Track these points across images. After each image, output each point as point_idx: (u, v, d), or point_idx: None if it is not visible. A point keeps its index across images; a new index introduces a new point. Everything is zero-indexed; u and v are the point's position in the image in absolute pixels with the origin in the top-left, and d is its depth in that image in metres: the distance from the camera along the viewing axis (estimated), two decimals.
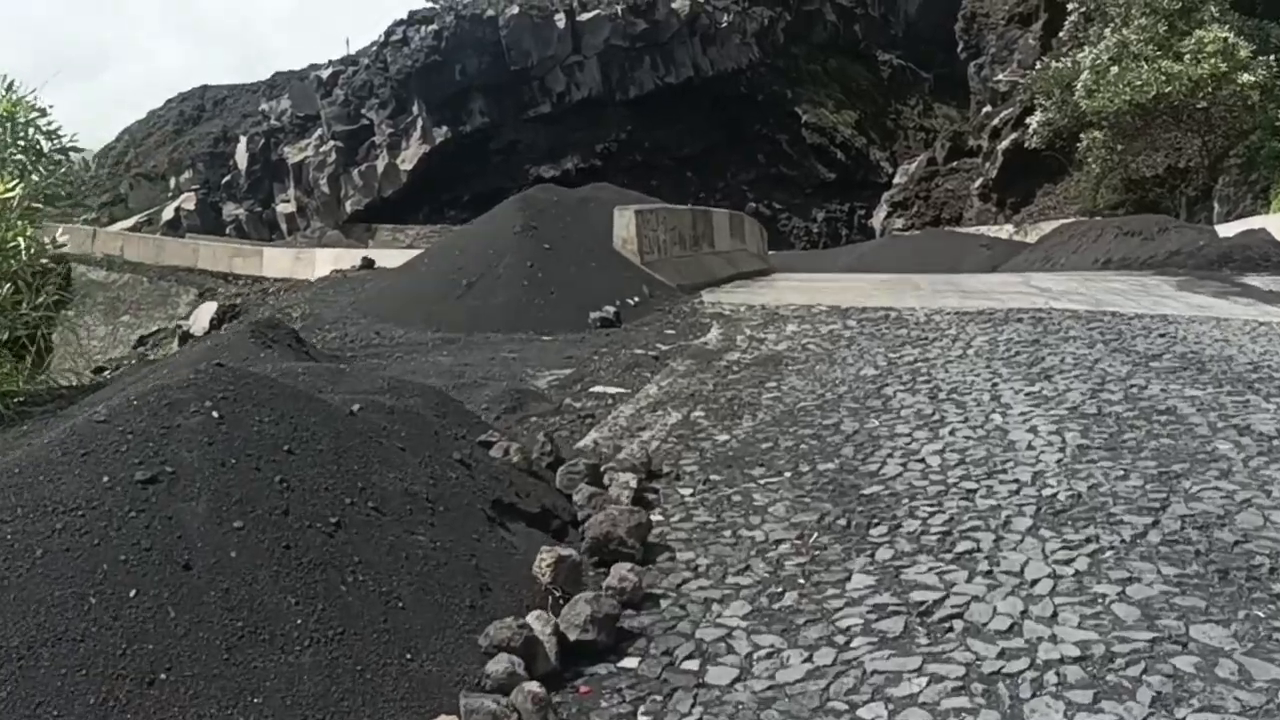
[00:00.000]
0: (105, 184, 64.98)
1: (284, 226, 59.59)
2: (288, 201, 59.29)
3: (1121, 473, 5.92)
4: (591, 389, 9.17)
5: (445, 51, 56.50)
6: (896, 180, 49.71)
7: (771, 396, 8.60)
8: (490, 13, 57.18)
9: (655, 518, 5.64)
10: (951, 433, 7.14)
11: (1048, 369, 9.13)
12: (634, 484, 5.81)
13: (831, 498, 5.89)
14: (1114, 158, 32.48)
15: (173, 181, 61.82)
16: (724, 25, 62.88)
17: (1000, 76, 44.65)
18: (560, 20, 57.67)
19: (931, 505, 5.62)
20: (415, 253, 19.55)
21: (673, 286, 14.75)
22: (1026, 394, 8.25)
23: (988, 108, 45.19)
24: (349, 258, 35.73)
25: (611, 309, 12.26)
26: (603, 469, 6.01)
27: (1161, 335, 10.70)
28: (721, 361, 10.14)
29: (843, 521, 5.49)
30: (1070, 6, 35.86)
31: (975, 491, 5.79)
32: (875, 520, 5.45)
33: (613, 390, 9.12)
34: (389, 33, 58.04)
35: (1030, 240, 36.37)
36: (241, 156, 60.17)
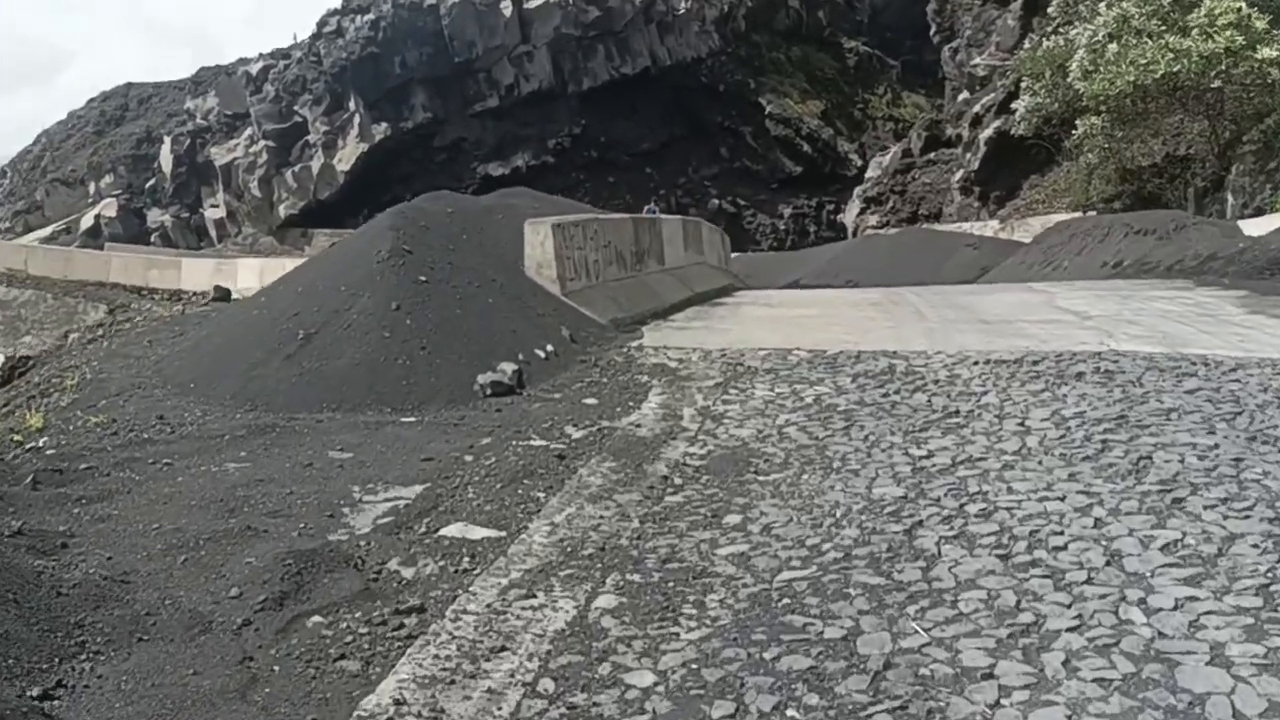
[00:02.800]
0: (20, 191, 60.67)
1: (213, 233, 55.64)
2: (217, 206, 55.30)
3: None
4: (443, 531, 5.66)
5: (383, 43, 52.70)
6: (869, 174, 46.43)
7: (733, 553, 5.13)
8: (431, 1, 53.40)
9: None
10: (1071, 669, 3.73)
11: (1168, 482, 5.73)
12: None
13: None
14: (1113, 146, 29.25)
15: (92, 187, 57.63)
16: (682, 12, 59.46)
17: (978, 60, 41.44)
18: (507, 8, 53.99)
19: None
20: None
21: (604, 323, 11.24)
22: (1162, 547, 4.84)
23: (965, 94, 41.95)
24: (276, 268, 32.09)
25: (510, 367, 8.74)
26: None
27: None
28: (658, 464, 6.65)
29: None
30: None
31: None
32: None
33: (477, 534, 5.62)
34: (322, 24, 54.17)
35: (1018, 238, 33.19)
36: (166, 159, 56.10)
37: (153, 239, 54.86)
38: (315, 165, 53.10)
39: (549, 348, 9.62)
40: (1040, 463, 6.22)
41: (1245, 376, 8.20)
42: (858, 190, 46.07)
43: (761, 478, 6.27)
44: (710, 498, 5.98)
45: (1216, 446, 6.33)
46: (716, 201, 61.21)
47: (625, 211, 53.43)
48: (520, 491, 6.23)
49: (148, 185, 56.48)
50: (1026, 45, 33.78)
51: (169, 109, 59.48)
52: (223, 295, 15.74)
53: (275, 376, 8.38)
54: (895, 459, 6.45)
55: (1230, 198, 26.64)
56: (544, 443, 7.24)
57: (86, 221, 55.44)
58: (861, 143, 65.03)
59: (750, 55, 64.00)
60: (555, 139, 57.49)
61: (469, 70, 54.48)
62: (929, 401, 7.87)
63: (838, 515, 5.54)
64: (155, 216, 55.85)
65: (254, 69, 54.63)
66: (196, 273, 42.26)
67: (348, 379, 8.27)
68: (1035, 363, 9.02)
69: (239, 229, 55.29)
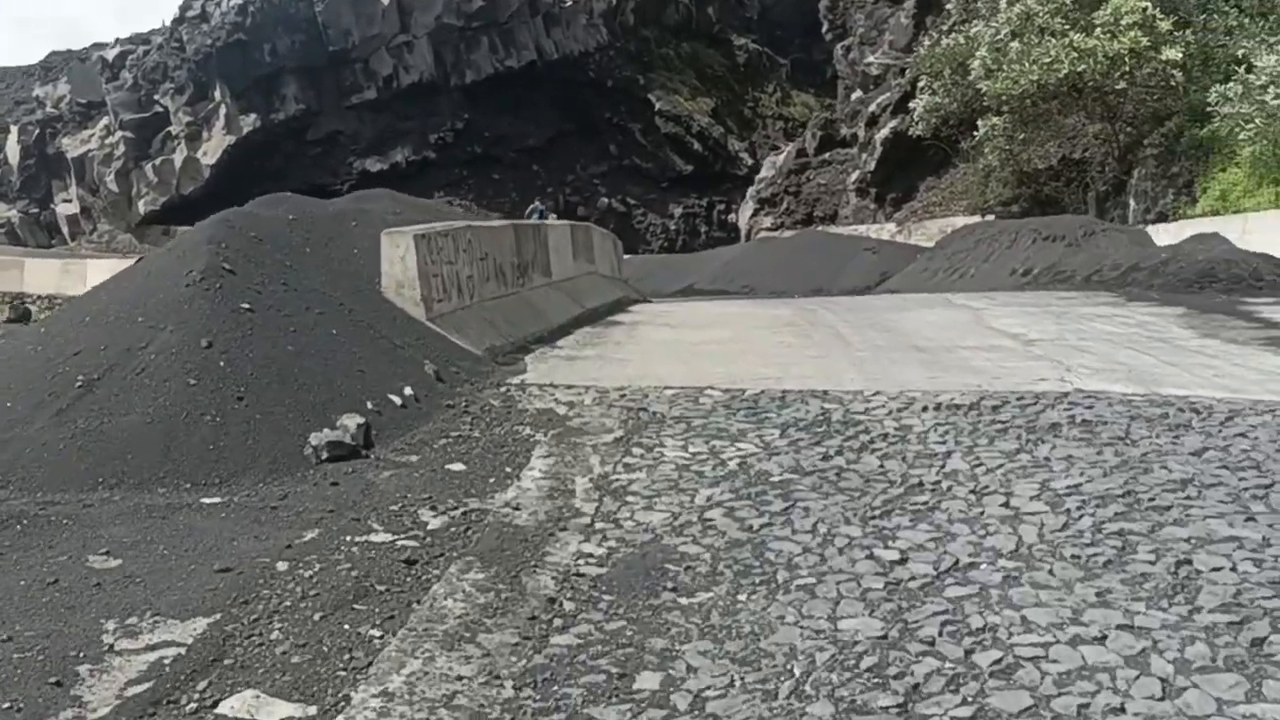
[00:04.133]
0: None
1: (66, 230, 51.67)
2: (70, 201, 51.36)
3: None
4: (223, 707, 3.84)
5: (252, 29, 49.55)
6: (763, 174, 45.27)
7: None
8: None
9: None
10: None
11: (1233, 606, 4.27)
12: None
13: None
14: (1014, 147, 28.44)
15: None
16: (569, 4, 57.61)
17: (871, 59, 40.58)
18: None
19: None
20: None
21: (480, 354, 9.43)
22: None
23: (858, 93, 41.05)
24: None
25: (354, 422, 6.86)
26: None
27: None
28: (543, 575, 4.89)
29: None
30: None
31: None
32: None
33: (273, 713, 3.82)
34: (185, 7, 50.71)
35: (916, 241, 32.31)
36: (12, 149, 51.85)
37: None
38: (178, 159, 49.64)
39: (407, 391, 7.76)
40: (1052, 572, 4.66)
41: (1248, 428, 6.83)
42: (751, 191, 44.85)
43: (684, 599, 4.58)
44: (614, 637, 4.26)
45: (1268, 542, 4.87)
46: (606, 200, 59.56)
47: (511, 210, 51.42)
48: (347, 628, 4.42)
49: None
50: (926, 43, 32.86)
51: (16, 96, 55.07)
52: (21, 316, 13.40)
53: (37, 440, 6.35)
54: (859, 566, 4.81)
55: (1132, 202, 26.03)
56: (389, 537, 5.42)
57: None
58: (752, 141, 64.12)
59: (639, 51, 62.44)
60: (437, 134, 55.04)
61: (345, 60, 51.66)
62: (882, 467, 6.27)
63: (796, 673, 3.88)
64: (1, 212, 51.64)
65: (110, 54, 50.81)
66: (41, 274, 38.95)
67: (135, 444, 6.30)
68: (996, 408, 7.52)
69: (94, 226, 51.46)
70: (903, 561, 4.84)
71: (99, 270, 35.76)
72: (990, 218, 30.31)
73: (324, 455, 6.59)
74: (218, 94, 49.32)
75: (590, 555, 5.11)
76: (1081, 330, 11.51)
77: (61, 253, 46.96)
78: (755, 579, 4.73)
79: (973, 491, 5.75)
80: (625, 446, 6.92)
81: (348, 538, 5.39)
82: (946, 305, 14.86)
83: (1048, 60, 24.36)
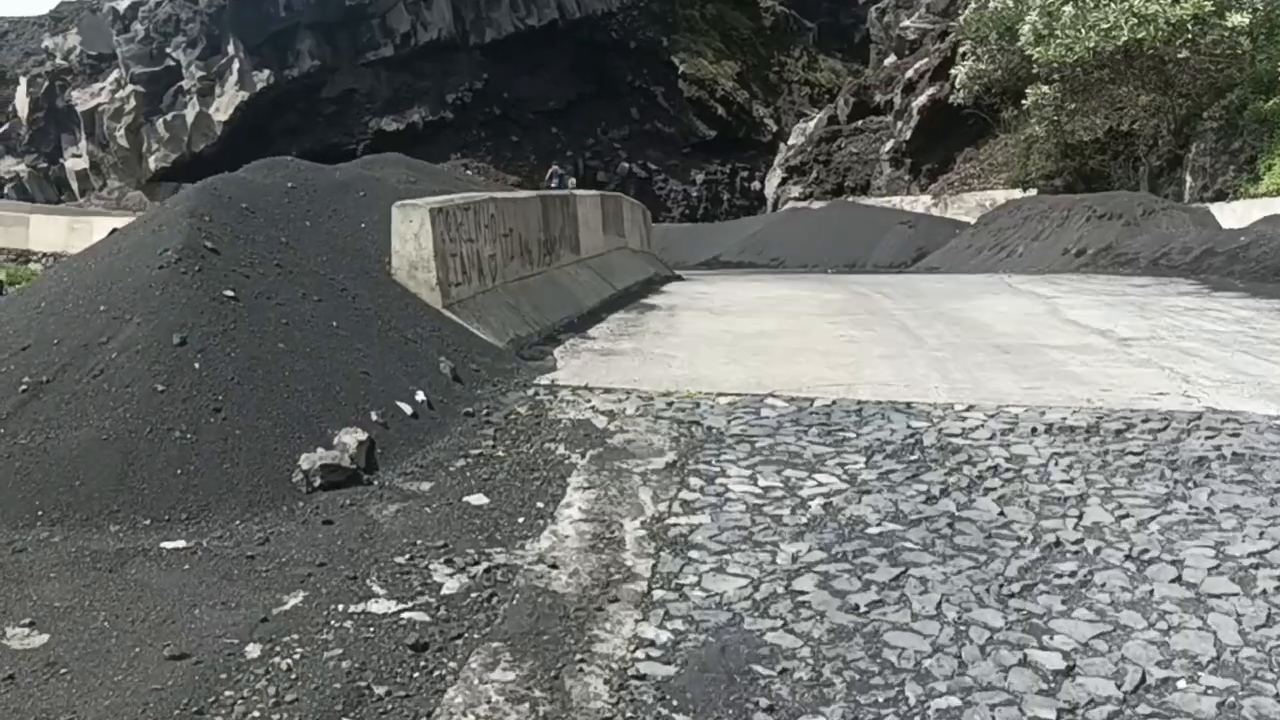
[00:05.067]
0: None
1: (75, 186, 50.51)
2: (79, 156, 50.15)
3: None
4: None
5: None
6: (792, 141, 43.72)
7: None
8: None
9: None
10: None
11: None
12: None
13: None
14: (1061, 118, 26.94)
15: None
16: None
17: (907, 22, 38.92)
18: None
19: None
20: None
21: (503, 346, 8.23)
22: None
23: (892, 58, 39.43)
24: None
25: (355, 439, 5.68)
26: None
27: None
28: (590, 679, 3.72)
29: None
30: None
31: None
32: None
33: None
34: None
35: (953, 215, 30.88)
36: (22, 102, 50.63)
37: (6, 191, 49.58)
38: (189, 114, 48.33)
39: (419, 396, 6.57)
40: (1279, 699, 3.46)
41: None
42: (779, 158, 43.34)
43: None
44: None
45: None
46: (626, 165, 58.09)
47: (530, 175, 50.07)
48: None
49: (0, 131, 51.02)
50: (972, 6, 31.25)
51: (26, 47, 53.69)
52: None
53: None
54: (1014, 679, 3.62)
55: (1189, 179, 24.56)
56: (393, 605, 4.25)
57: None
58: (777, 107, 62.45)
59: (663, 11, 60.64)
60: (455, 94, 53.54)
61: (361, 15, 50.16)
62: (1002, 514, 5.07)
63: None
64: (8, 166, 50.39)
65: (121, 6, 49.30)
66: (47, 231, 37.86)
67: (85, 467, 5.13)
68: (1120, 433, 6.29)
69: (104, 182, 50.25)
70: (1070, 673, 3.64)
71: (106, 228, 34.56)
72: (1032, 192, 28.87)
73: (316, 482, 5.41)
74: (231, 48, 47.93)
75: (652, 644, 3.93)
76: (1176, 327, 10.24)
77: (70, 209, 45.86)
78: (877, 696, 3.54)
79: (1130, 557, 4.55)
80: (680, 475, 5.72)
81: (340, 606, 4.23)
82: (1012, 292, 13.56)
83: (1105, 26, 22.87)
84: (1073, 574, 4.40)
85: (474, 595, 4.34)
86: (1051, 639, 3.87)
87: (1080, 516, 5.01)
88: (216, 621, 4.07)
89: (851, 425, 6.54)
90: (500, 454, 6.12)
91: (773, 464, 5.87)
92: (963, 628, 3.97)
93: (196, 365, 5.74)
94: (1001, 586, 4.30)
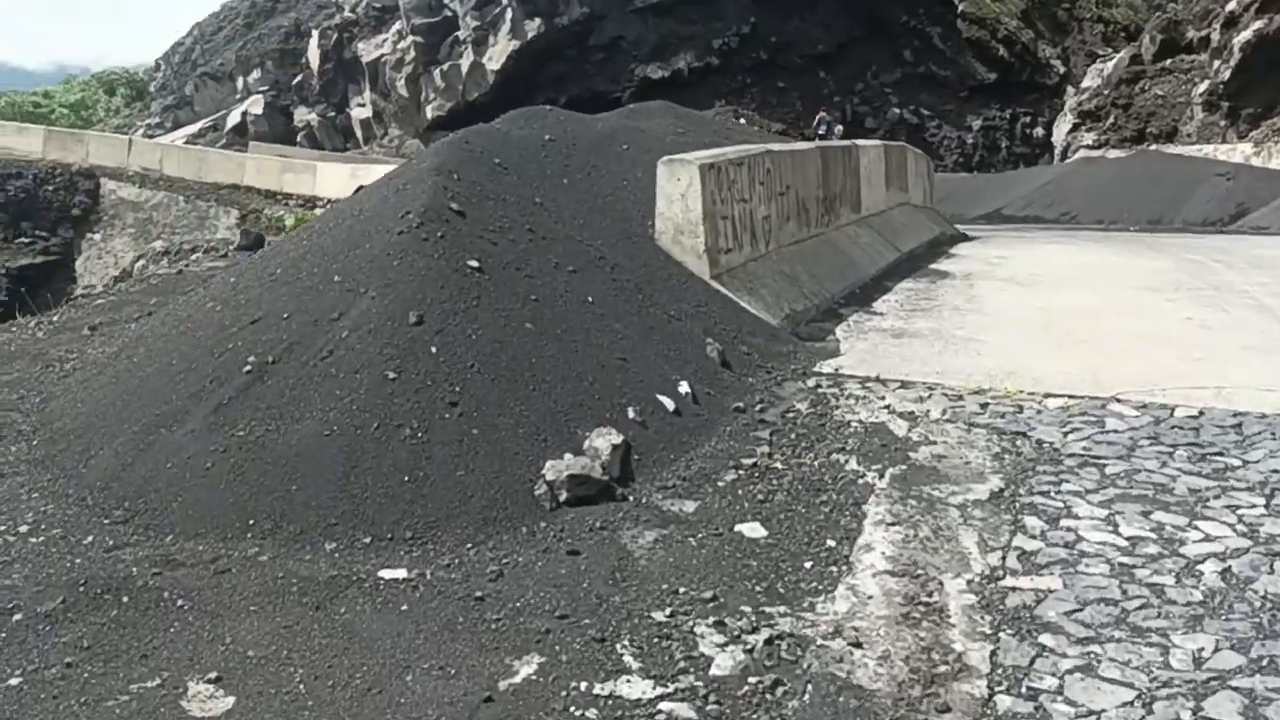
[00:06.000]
0: (171, 86, 59.17)
1: (359, 134, 52.90)
2: (363, 106, 52.42)
3: None
4: None
5: None
6: (1086, 83, 39.94)
7: None
8: None
9: None
10: None
11: None
12: None
13: None
14: None
15: (240, 82, 55.51)
16: None
17: None
18: None
19: None
20: None
21: (776, 324, 7.12)
22: None
23: None
24: None
25: (607, 443, 4.76)
26: None
27: None
28: None
29: None
30: None
31: None
32: None
33: None
34: None
35: (1277, 165, 27.09)
36: (313, 54, 53.36)
37: (299, 139, 52.53)
38: (464, 64, 49.46)
39: (683, 388, 5.58)
40: None
41: None
42: (1070, 103, 39.68)
43: None
44: None
45: None
46: (897, 111, 55.19)
47: (796, 122, 48.45)
48: None
49: (294, 82, 54.02)
50: None
51: (319, 0, 56.57)
52: (254, 243, 12.15)
53: (181, 453, 4.62)
54: None
55: None
56: (648, 689, 3.29)
57: (233, 119, 53.39)
58: (1064, 47, 57.58)
59: None
60: (721, 39, 52.29)
61: None
62: None
63: None
64: (302, 115, 53.42)
65: None
66: (332, 177, 39.61)
67: (303, 467, 4.45)
68: None
69: (385, 130, 52.38)
70: None
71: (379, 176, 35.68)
72: None
73: (563, 496, 4.53)
74: None
75: None
76: None
77: (354, 157, 48.04)
78: None
79: None
80: (1011, 511, 4.47)
81: (582, 683, 3.30)
82: None
83: None
84: None
85: (752, 681, 3.31)
86: None
87: None
88: (431, 696, 3.23)
89: (1232, 448, 5.06)
90: (778, 465, 5.05)
91: (1134, 501, 4.52)
92: None
93: (433, 349, 4.96)
94: None
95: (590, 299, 5.88)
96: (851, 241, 9.90)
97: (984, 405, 5.80)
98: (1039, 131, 51.19)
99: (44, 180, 37.81)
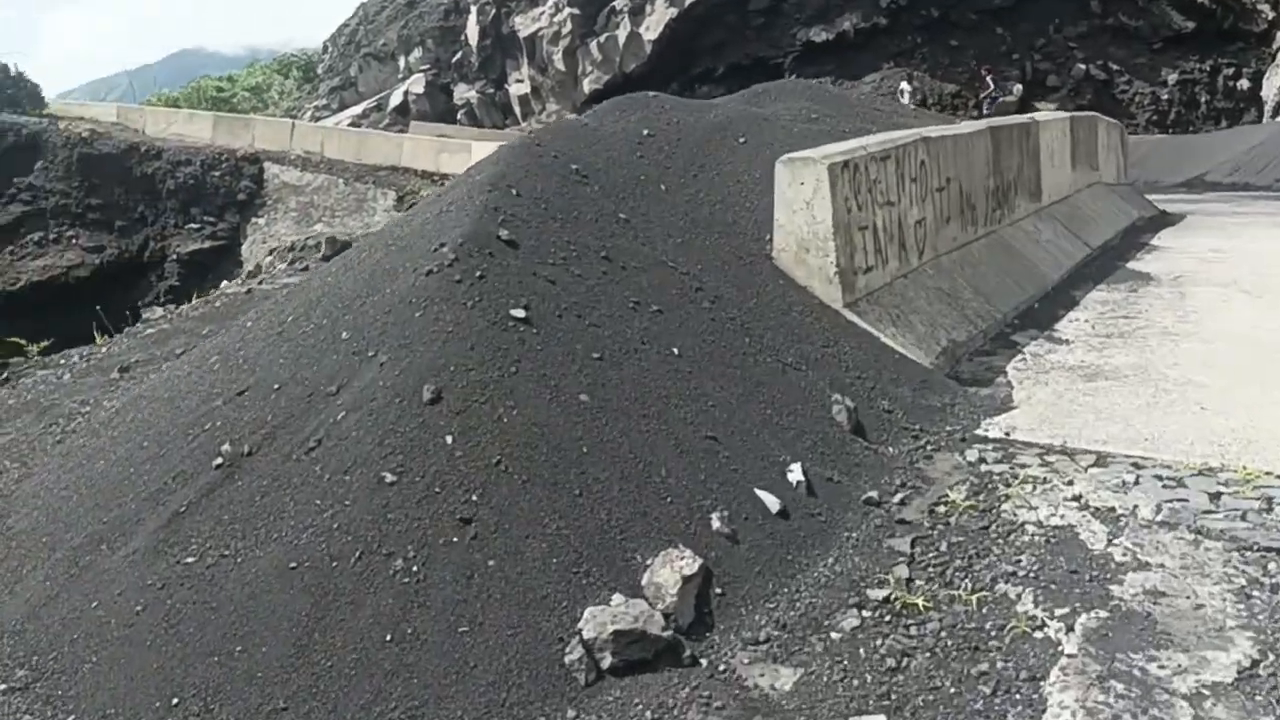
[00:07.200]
0: (337, 67, 60.11)
1: (518, 110, 52.45)
2: (521, 81, 51.91)
3: None
4: None
5: None
6: None
7: None
8: None
9: None
10: None
11: None
12: None
13: None
14: None
15: (402, 61, 55.83)
16: None
17: None
18: None
19: None
20: None
21: (928, 364, 5.61)
22: None
23: None
24: None
25: (674, 577, 3.44)
26: None
27: None
28: None
29: None
30: None
31: None
32: None
33: None
34: None
35: None
36: (472, 30, 53.14)
37: (459, 117, 52.53)
38: (621, 35, 48.30)
39: (794, 474, 4.19)
40: None
41: None
42: None
43: None
44: None
45: None
46: (1083, 67, 51.19)
47: (969, 83, 45.47)
48: None
49: (454, 59, 53.95)
50: None
51: None
52: (340, 249, 11.21)
53: (112, 586, 3.53)
54: None
55: None
56: None
57: (396, 99, 53.77)
58: None
59: None
60: None
61: None
62: None
63: None
64: (461, 93, 53.33)
65: None
66: (484, 157, 39.27)
67: (255, 620, 3.30)
68: None
69: (543, 106, 51.76)
70: None
71: None
72: None
73: (605, 662, 3.24)
74: None
75: None
76: None
77: (511, 134, 47.62)
78: None
79: None
80: (1275, 710, 2.93)
81: None
82: None
83: None
84: None
85: None
86: None
87: None
88: None
89: None
90: (919, 602, 3.61)
91: None
92: None
93: (448, 439, 3.71)
94: None
95: (675, 350, 4.53)
96: (1029, 239, 8.20)
97: (1215, 496, 4.20)
98: (1244, 85, 46.58)
99: (211, 166, 38.66)
